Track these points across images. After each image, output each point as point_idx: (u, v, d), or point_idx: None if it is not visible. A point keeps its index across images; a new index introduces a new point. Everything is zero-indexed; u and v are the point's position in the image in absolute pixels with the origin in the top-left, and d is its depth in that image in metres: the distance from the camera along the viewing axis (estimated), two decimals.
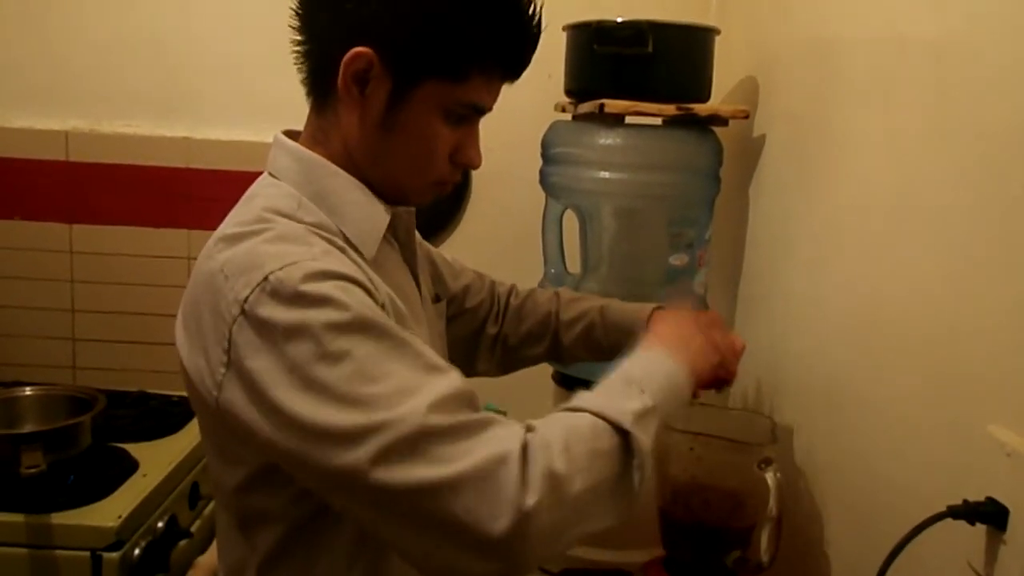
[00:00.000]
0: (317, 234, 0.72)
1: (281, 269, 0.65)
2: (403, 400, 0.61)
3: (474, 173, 1.68)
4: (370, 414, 0.61)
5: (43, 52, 1.65)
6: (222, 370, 0.66)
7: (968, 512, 0.66)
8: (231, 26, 1.65)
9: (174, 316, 0.76)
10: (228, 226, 0.74)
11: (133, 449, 1.39)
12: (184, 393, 0.78)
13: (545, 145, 1.30)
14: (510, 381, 1.28)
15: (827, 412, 1.02)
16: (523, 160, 1.47)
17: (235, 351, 0.65)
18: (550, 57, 1.41)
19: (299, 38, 0.78)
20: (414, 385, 0.63)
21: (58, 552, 1.18)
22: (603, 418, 0.68)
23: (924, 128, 0.84)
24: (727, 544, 0.96)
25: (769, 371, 1.22)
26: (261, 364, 0.64)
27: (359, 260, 0.74)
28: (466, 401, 0.65)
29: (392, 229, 0.82)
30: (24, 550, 1.18)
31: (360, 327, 0.64)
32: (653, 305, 1.02)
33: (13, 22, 1.64)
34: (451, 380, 0.65)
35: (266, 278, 0.65)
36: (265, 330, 0.64)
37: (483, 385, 1.31)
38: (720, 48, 1.28)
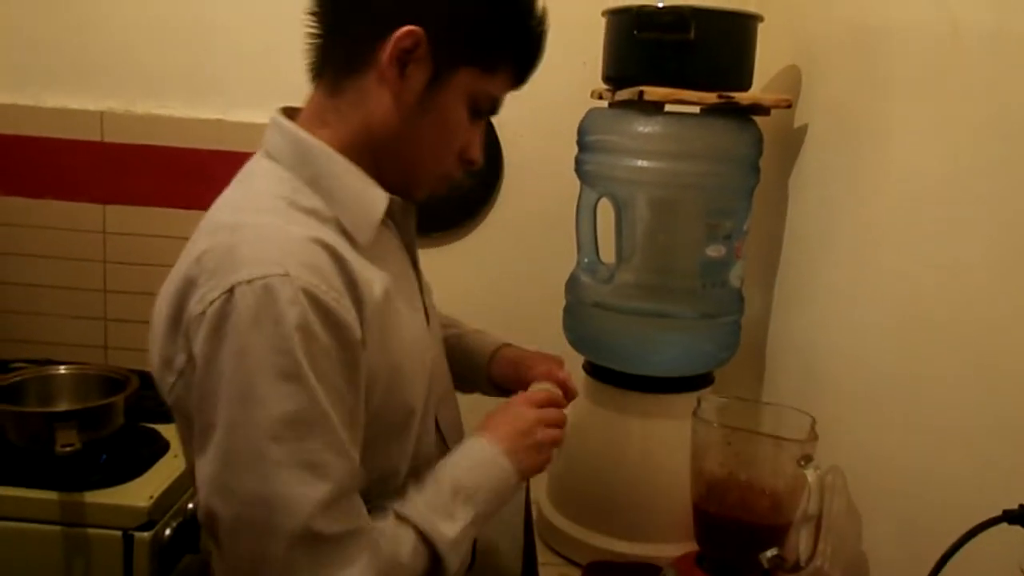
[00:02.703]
0: (308, 227, 0.73)
1: (249, 282, 0.67)
2: (262, 512, 0.67)
3: (506, 160, 1.66)
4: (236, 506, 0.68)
5: (78, 32, 1.66)
6: (183, 356, 0.71)
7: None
8: (265, 8, 1.64)
9: None
10: (221, 210, 0.77)
11: (164, 430, 1.40)
12: None
13: (581, 132, 1.28)
14: None
15: (870, 410, 1.00)
16: (556, 148, 1.45)
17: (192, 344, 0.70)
18: (585, 44, 1.40)
19: (321, 9, 0.79)
20: (281, 503, 0.67)
21: (90, 531, 1.20)
22: (424, 540, 0.77)
23: (978, 120, 0.81)
24: (763, 542, 0.95)
25: (807, 366, 1.20)
26: (202, 364, 0.69)
27: (349, 256, 0.74)
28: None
29: (389, 212, 0.81)
30: (58, 527, 1.20)
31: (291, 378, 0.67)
32: (500, 342, 1.10)
33: (49, 2, 1.65)
34: (318, 491, 0.68)
35: (232, 289, 0.67)
36: (215, 338, 0.68)
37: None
38: (762, 35, 1.25)
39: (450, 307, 1.71)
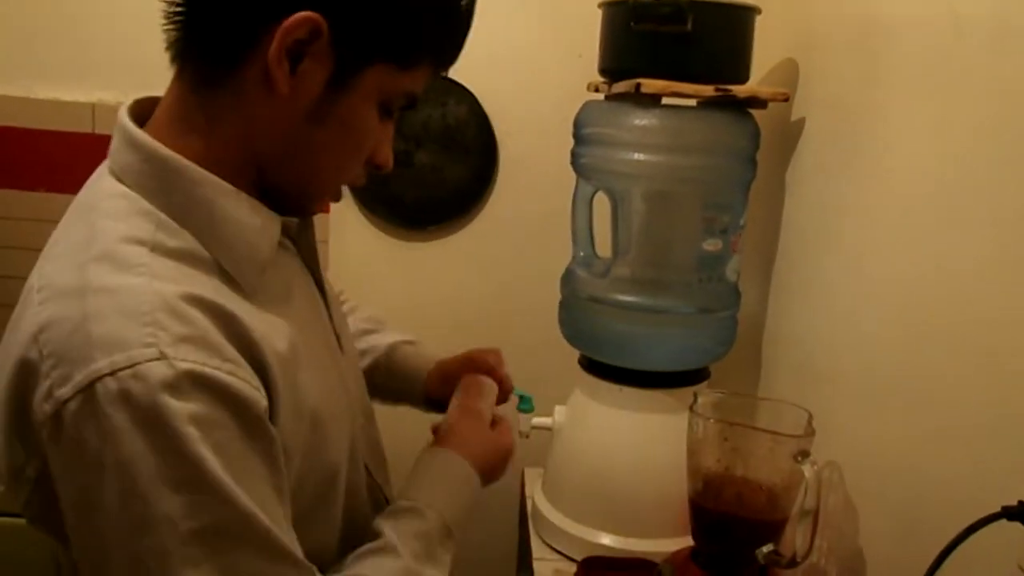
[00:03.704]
0: (180, 281, 0.58)
1: (113, 375, 0.52)
2: None
3: (501, 153, 1.65)
4: None
5: (70, 23, 1.64)
6: (35, 466, 0.56)
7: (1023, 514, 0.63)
8: None
9: None
10: (58, 261, 0.60)
11: None
12: None
13: (577, 125, 1.27)
14: (536, 367, 1.27)
15: (867, 405, 0.99)
16: (552, 141, 1.44)
17: (45, 454, 0.55)
18: (581, 36, 1.39)
19: None
20: None
21: None
22: None
23: (980, 116, 0.81)
24: (759, 537, 0.94)
25: (803, 361, 1.19)
26: (69, 488, 0.55)
27: (238, 308, 0.60)
28: None
29: (284, 228, 0.68)
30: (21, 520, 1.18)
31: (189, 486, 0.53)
32: (436, 359, 0.99)
33: None
34: None
35: (91, 386, 0.52)
36: (81, 453, 0.53)
37: (510, 372, 1.30)
38: (760, 28, 1.24)
39: (445, 303, 1.71)
